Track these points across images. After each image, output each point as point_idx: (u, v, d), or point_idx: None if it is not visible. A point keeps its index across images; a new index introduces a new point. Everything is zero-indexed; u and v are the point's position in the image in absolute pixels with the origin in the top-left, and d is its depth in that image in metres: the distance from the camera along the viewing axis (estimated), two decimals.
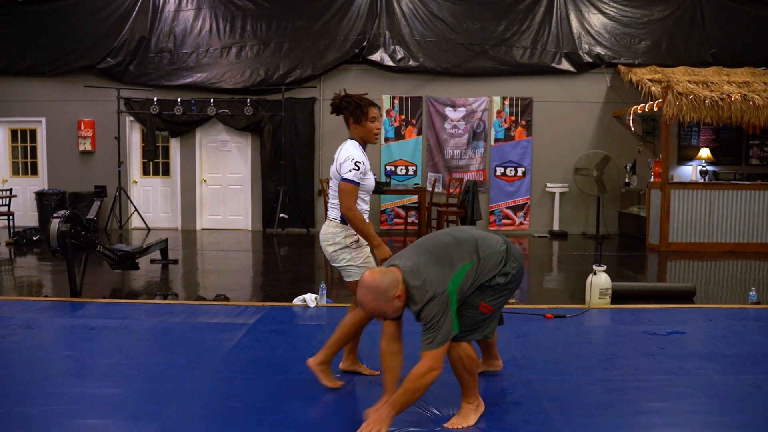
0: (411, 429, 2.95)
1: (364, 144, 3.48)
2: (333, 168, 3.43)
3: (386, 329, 3.05)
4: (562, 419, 3.05)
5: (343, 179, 3.31)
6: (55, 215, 5.58)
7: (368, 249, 3.45)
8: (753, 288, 5.82)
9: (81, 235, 5.67)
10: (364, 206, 3.45)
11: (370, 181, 3.43)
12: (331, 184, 3.46)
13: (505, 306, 3.30)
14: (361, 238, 3.41)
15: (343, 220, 3.37)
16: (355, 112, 3.41)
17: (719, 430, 3.01)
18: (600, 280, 5.47)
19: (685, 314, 5.18)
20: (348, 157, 3.33)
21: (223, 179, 11.46)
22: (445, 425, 2.98)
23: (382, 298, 2.77)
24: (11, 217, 9.89)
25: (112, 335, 4.44)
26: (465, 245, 2.98)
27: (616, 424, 3.03)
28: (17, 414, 3.05)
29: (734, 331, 4.63)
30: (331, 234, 3.41)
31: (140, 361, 3.88)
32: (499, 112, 11.08)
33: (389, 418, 2.81)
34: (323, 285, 5.47)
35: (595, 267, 5.50)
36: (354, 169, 3.30)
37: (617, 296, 5.66)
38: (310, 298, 5.28)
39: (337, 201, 3.39)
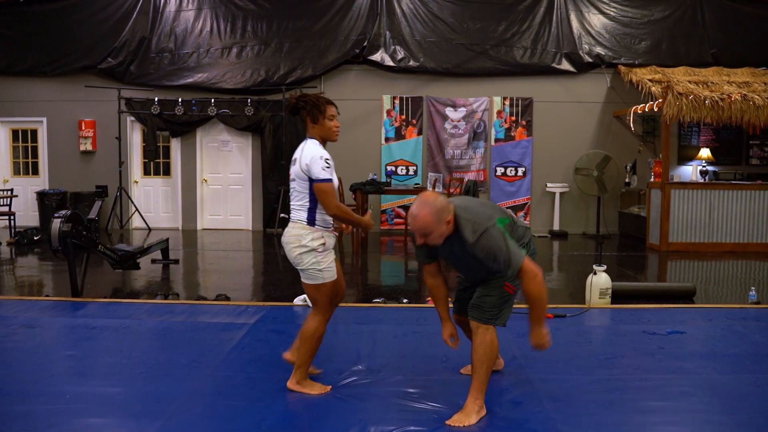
0: (411, 428, 2.95)
1: (323, 143, 3.35)
2: (295, 168, 3.26)
3: (427, 269, 3.40)
4: (562, 418, 3.06)
5: (319, 180, 3.18)
6: (56, 215, 5.59)
7: (333, 254, 3.33)
8: (753, 288, 5.84)
9: (82, 235, 5.68)
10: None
11: (335, 182, 3.29)
12: (294, 185, 3.29)
13: None
14: (327, 241, 3.29)
15: (310, 222, 3.25)
16: (312, 112, 3.29)
17: (719, 428, 3.02)
18: (600, 279, 5.48)
19: (685, 314, 5.19)
20: (315, 156, 3.19)
21: (224, 179, 11.47)
22: (447, 422, 3.01)
23: (436, 216, 2.91)
24: (12, 217, 9.90)
25: (113, 335, 4.45)
26: (498, 207, 3.25)
27: (616, 423, 3.04)
28: (19, 413, 3.06)
29: (734, 331, 4.64)
30: (296, 236, 3.26)
31: (141, 360, 3.89)
32: (499, 112, 11.09)
33: (545, 330, 3.10)
34: None
35: (595, 267, 5.51)
36: (326, 167, 3.19)
37: (617, 296, 5.67)
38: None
39: (302, 202, 3.27)
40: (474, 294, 3.20)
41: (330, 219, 3.33)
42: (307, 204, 3.27)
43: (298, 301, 5.40)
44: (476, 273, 3.17)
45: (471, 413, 3.03)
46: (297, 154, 3.29)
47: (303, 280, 3.34)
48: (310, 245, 3.24)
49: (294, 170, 3.29)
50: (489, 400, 3.25)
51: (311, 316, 3.37)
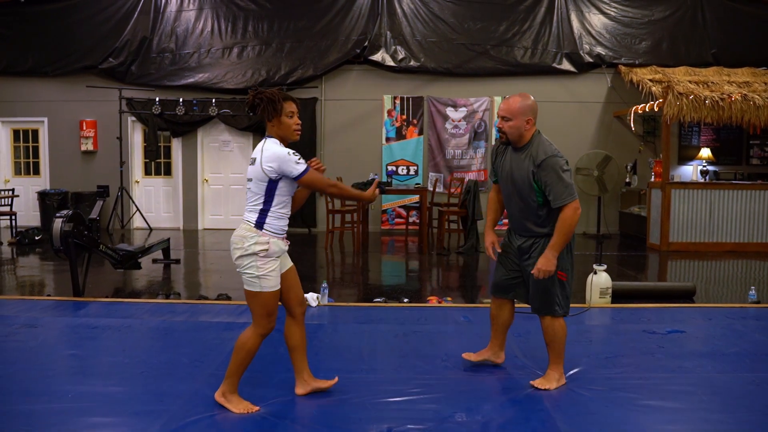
0: (412, 426, 2.97)
1: (284, 142, 3.14)
2: (254, 168, 3.06)
3: (495, 187, 3.71)
4: (562, 416, 3.08)
5: (301, 174, 3.02)
6: (58, 215, 5.60)
7: (277, 262, 3.12)
8: (753, 287, 5.85)
9: (84, 235, 5.70)
10: (285, 212, 3.14)
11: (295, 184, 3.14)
12: (250, 185, 3.10)
13: None
14: (270, 247, 3.07)
15: (259, 225, 3.07)
16: (267, 108, 3.07)
17: (719, 427, 3.03)
18: (600, 279, 5.50)
19: (684, 313, 5.20)
20: (281, 156, 3.00)
21: (225, 179, 11.49)
22: (531, 382, 3.44)
23: (522, 109, 3.27)
24: (13, 217, 9.92)
25: (115, 334, 4.46)
26: None
27: (616, 422, 3.05)
28: (23, 412, 3.08)
29: (734, 330, 4.65)
30: (240, 237, 3.09)
31: (143, 359, 3.91)
32: None
33: (554, 258, 3.28)
34: (325, 284, 5.49)
35: (595, 266, 5.52)
36: (299, 160, 3.03)
37: (617, 295, 5.68)
38: (311, 297, 5.30)
39: (255, 204, 3.09)
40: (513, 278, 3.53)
41: (284, 225, 3.15)
42: (260, 206, 3.08)
43: None
44: (525, 207, 3.38)
45: (552, 380, 3.44)
46: (255, 154, 3.09)
47: (244, 286, 3.13)
48: (251, 249, 3.05)
49: (252, 170, 3.08)
50: (489, 398, 3.28)
51: (248, 327, 3.16)
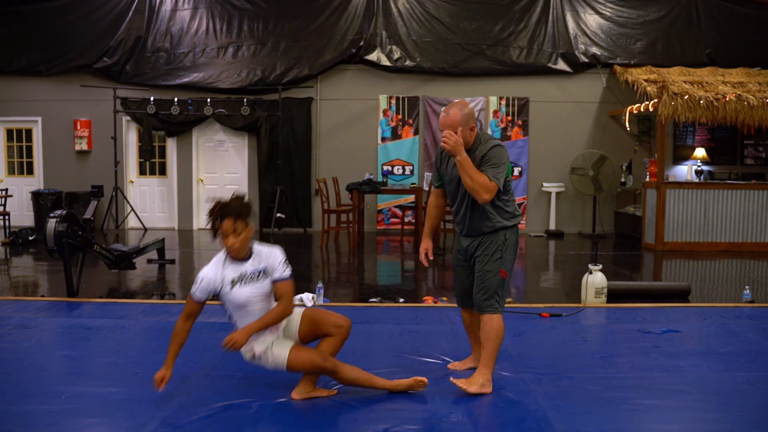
0: (408, 427, 2.96)
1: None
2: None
3: (435, 192, 3.71)
4: (558, 416, 3.07)
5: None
6: (51, 215, 5.58)
7: (272, 341, 3.23)
8: (747, 287, 5.86)
9: (78, 235, 5.67)
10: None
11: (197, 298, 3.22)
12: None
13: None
14: (255, 350, 3.21)
15: None
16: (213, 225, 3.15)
17: (713, 426, 3.04)
18: (596, 279, 5.50)
19: (679, 313, 5.21)
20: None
21: (220, 179, 11.46)
22: (452, 379, 3.35)
23: (464, 119, 3.30)
24: (7, 217, 9.88)
25: (109, 335, 4.45)
26: None
27: (612, 421, 3.05)
28: (16, 413, 3.06)
29: (728, 330, 4.66)
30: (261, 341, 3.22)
31: (138, 360, 3.89)
32: (495, 112, 11.11)
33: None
34: (320, 284, 5.48)
35: (590, 266, 5.53)
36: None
37: (613, 295, 5.69)
38: (307, 298, 5.30)
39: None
40: (473, 281, 3.49)
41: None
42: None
43: (295, 300, 5.39)
44: (467, 206, 3.42)
45: (474, 383, 3.33)
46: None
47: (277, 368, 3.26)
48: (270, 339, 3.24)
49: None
50: (485, 398, 3.27)
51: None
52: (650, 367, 3.81)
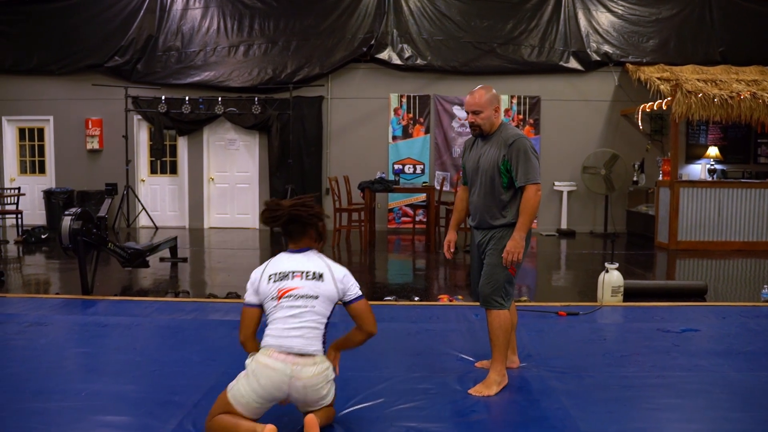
0: (430, 424, 2.94)
1: None
2: (321, 285, 2.76)
3: (462, 188, 3.73)
4: (580, 415, 3.04)
5: (359, 297, 2.84)
6: (66, 213, 5.58)
7: None
8: (766, 286, 5.80)
9: (92, 233, 5.68)
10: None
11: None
12: (313, 303, 2.73)
13: (517, 304, 3.39)
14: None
15: (325, 351, 2.80)
16: (319, 229, 2.94)
17: (738, 426, 3.00)
18: (612, 277, 5.46)
19: (697, 312, 5.17)
20: (348, 272, 2.86)
21: (231, 178, 11.46)
22: (470, 391, 3.30)
23: (490, 100, 3.37)
24: (19, 216, 9.91)
25: (125, 332, 4.44)
26: None
27: (635, 420, 3.02)
28: (37, 410, 3.05)
29: (748, 329, 4.62)
30: (324, 374, 2.71)
31: (155, 358, 3.88)
32: (507, 111, 11.07)
33: (522, 240, 3.33)
34: None
35: (607, 265, 5.48)
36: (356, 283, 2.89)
37: (628, 294, 5.64)
38: None
39: (318, 327, 2.74)
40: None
41: None
42: (323, 330, 2.77)
43: None
44: (484, 194, 3.42)
45: (492, 384, 3.32)
46: (320, 269, 2.79)
47: (314, 409, 2.73)
48: (330, 377, 2.77)
49: (318, 286, 2.75)
50: (507, 396, 3.25)
51: (327, 410, 2.82)
52: (671, 367, 3.78)
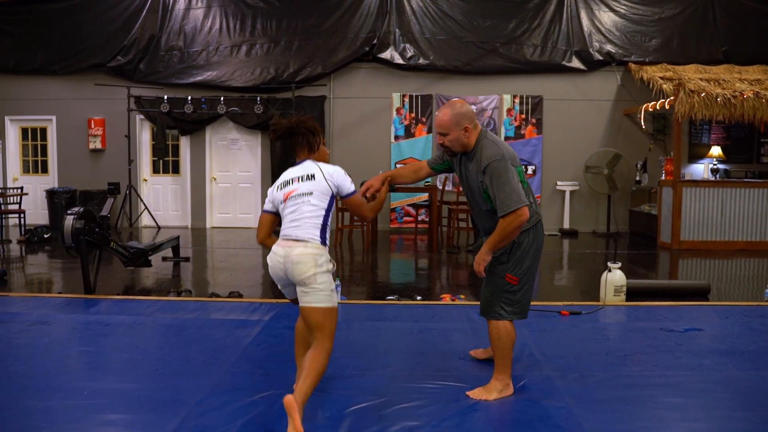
0: (434, 423, 2.93)
1: None
2: (317, 184, 3.08)
3: (427, 162, 3.64)
4: (585, 414, 3.04)
5: (351, 193, 3.18)
6: (69, 212, 5.58)
7: None
8: None
9: (95, 232, 5.68)
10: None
11: None
12: (309, 199, 3.06)
13: None
14: (333, 264, 3.10)
15: (323, 241, 3.04)
16: (312, 139, 3.23)
17: (743, 425, 2.99)
18: (615, 277, 5.45)
19: (700, 311, 5.16)
20: (339, 171, 3.16)
21: (233, 177, 11.47)
22: (468, 393, 3.26)
23: (454, 119, 3.19)
24: (22, 215, 9.92)
25: (128, 331, 4.44)
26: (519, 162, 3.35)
27: (639, 419, 3.02)
28: (40, 408, 3.06)
29: (752, 328, 4.61)
30: (311, 256, 2.97)
31: (158, 357, 3.88)
32: (509, 110, 11.06)
33: (488, 255, 3.21)
34: (338, 282, 5.45)
35: (609, 264, 5.47)
36: (352, 182, 3.21)
37: (631, 294, 5.63)
38: None
39: (316, 219, 3.04)
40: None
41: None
42: (321, 221, 3.06)
43: None
44: (481, 210, 3.33)
45: (492, 390, 3.25)
46: (311, 170, 3.14)
47: (308, 302, 2.96)
48: (326, 266, 3.01)
49: (312, 185, 3.09)
50: (509, 396, 3.24)
51: (319, 346, 2.94)
52: (675, 366, 3.77)
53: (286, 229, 3.10)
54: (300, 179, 3.14)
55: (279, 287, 3.20)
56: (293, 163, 3.26)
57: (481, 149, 3.19)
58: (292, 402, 2.71)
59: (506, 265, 3.24)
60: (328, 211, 3.11)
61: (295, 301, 3.14)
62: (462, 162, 3.35)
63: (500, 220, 3.10)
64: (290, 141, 3.26)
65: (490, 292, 3.30)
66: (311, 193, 3.08)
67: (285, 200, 3.13)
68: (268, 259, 3.11)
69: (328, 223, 3.10)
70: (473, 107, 10.88)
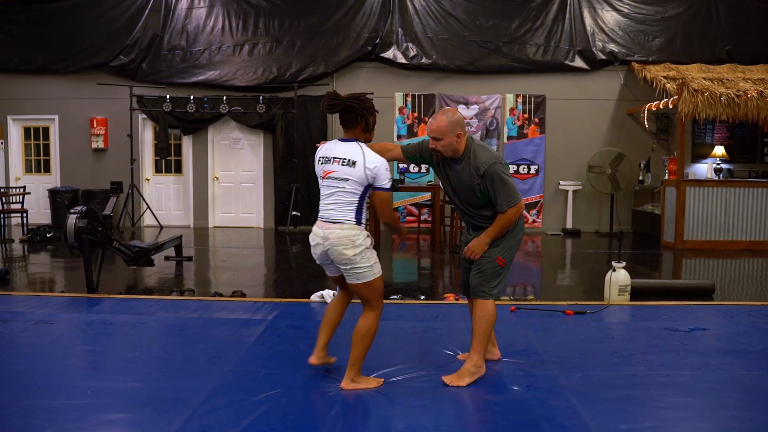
0: (436, 421, 2.91)
1: None
2: (355, 170, 3.18)
3: (403, 149, 3.68)
4: (590, 413, 3.02)
5: (383, 188, 3.24)
6: (72, 211, 5.58)
7: None
8: None
9: (98, 231, 5.67)
10: None
11: None
12: (343, 185, 3.21)
13: (524, 303, 3.37)
14: (371, 239, 3.32)
15: (359, 221, 3.24)
16: (369, 119, 3.29)
17: (750, 425, 2.97)
18: (619, 276, 5.43)
19: (705, 311, 5.14)
20: (382, 164, 3.20)
21: (236, 177, 11.46)
22: (443, 378, 3.39)
23: (449, 125, 3.31)
24: (25, 215, 9.92)
25: (131, 330, 4.43)
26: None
27: (644, 419, 3.00)
28: (44, 407, 3.05)
29: (757, 328, 4.58)
30: (348, 237, 3.19)
31: (161, 356, 3.87)
32: (512, 110, 11.04)
33: (486, 245, 3.43)
34: None
35: (614, 263, 5.46)
36: (390, 178, 3.27)
37: (635, 293, 5.61)
38: (328, 294, 5.26)
39: (350, 203, 3.22)
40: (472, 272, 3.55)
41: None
42: (356, 205, 3.23)
43: (315, 297, 5.36)
44: (471, 208, 3.51)
45: (465, 375, 3.38)
46: (354, 156, 3.18)
47: (352, 281, 3.27)
48: (364, 244, 3.22)
49: (351, 172, 3.18)
50: (514, 395, 3.22)
51: (366, 315, 3.30)
52: (680, 365, 3.75)
53: (323, 210, 3.29)
54: (341, 162, 3.22)
55: (318, 263, 3.37)
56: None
57: (474, 154, 3.37)
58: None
59: (497, 249, 3.45)
60: (362, 197, 3.24)
61: (335, 279, 3.44)
62: (447, 164, 3.51)
63: (501, 214, 3.36)
64: (342, 117, 3.28)
65: (482, 273, 3.45)
66: (347, 180, 3.20)
67: (323, 177, 3.27)
68: (310, 239, 3.32)
69: (364, 204, 3.26)
70: (476, 107, 10.93)
